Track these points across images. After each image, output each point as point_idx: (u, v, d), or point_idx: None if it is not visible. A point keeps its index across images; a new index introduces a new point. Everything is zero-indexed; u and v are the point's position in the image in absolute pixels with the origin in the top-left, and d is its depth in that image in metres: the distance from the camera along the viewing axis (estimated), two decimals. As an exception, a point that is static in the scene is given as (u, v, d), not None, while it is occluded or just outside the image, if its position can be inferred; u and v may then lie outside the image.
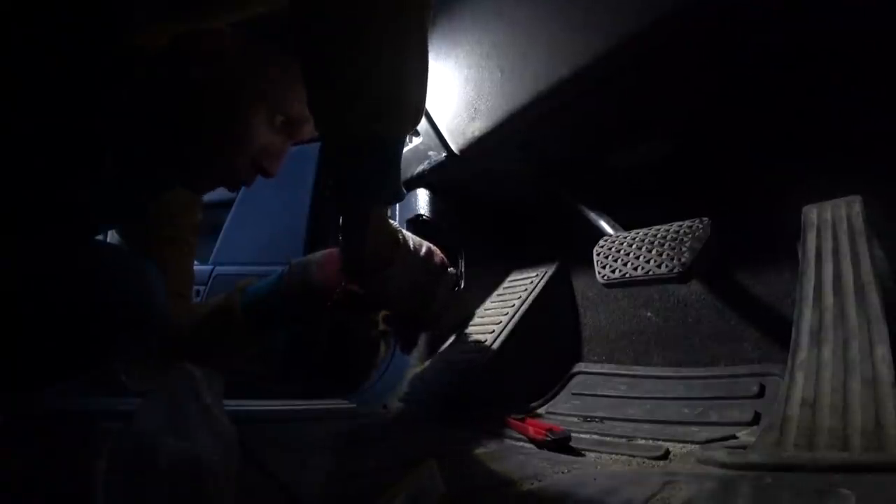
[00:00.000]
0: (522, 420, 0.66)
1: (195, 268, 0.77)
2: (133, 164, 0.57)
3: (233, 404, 0.68)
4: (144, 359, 0.66)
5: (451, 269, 0.69)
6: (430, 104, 0.86)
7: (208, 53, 0.53)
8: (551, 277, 0.95)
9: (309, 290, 0.68)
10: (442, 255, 0.69)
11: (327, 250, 0.71)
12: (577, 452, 0.57)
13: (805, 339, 0.52)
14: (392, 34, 0.46)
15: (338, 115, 0.49)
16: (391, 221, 0.63)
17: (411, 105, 0.50)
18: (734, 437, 0.56)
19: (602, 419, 0.70)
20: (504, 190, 0.99)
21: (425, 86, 0.51)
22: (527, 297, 0.91)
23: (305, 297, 0.69)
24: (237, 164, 0.57)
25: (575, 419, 0.71)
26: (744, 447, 0.49)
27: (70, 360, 0.54)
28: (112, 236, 0.71)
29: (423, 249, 0.67)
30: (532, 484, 0.45)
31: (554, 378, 0.86)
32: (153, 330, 0.57)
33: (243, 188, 0.62)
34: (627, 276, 0.69)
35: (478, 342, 0.86)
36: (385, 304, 0.70)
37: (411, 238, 0.66)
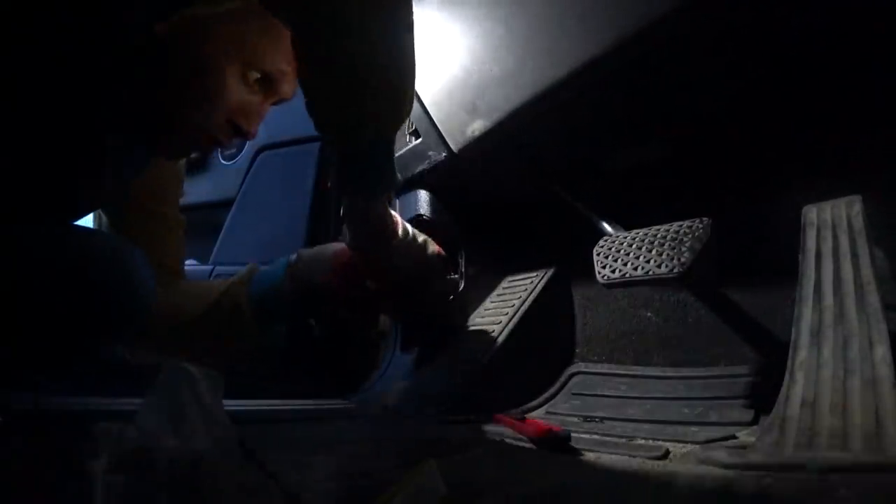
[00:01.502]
0: (522, 420, 0.66)
1: (195, 268, 0.76)
2: (127, 153, 0.57)
3: (233, 404, 0.67)
4: (137, 345, 0.66)
5: (453, 275, 0.71)
6: (430, 104, 0.86)
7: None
8: (551, 278, 0.95)
9: (314, 289, 0.68)
10: (440, 249, 0.72)
11: (336, 246, 0.71)
12: (577, 452, 0.57)
13: (805, 338, 0.51)
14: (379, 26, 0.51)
15: (329, 111, 0.54)
16: (393, 213, 0.67)
17: (405, 101, 0.55)
18: (734, 437, 0.56)
19: (602, 419, 0.70)
20: (504, 190, 0.99)
21: (413, 87, 0.56)
22: (527, 298, 0.91)
23: (311, 295, 0.69)
24: (212, 122, 0.56)
25: (575, 419, 0.71)
26: (744, 447, 0.49)
27: (59, 352, 0.54)
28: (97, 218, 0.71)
29: (421, 239, 0.70)
30: (532, 484, 0.45)
31: (553, 378, 0.86)
32: (142, 320, 0.57)
33: (243, 188, 0.62)
34: (627, 276, 0.69)
35: (477, 342, 0.86)
36: (385, 289, 0.71)
37: (411, 229, 0.70)
